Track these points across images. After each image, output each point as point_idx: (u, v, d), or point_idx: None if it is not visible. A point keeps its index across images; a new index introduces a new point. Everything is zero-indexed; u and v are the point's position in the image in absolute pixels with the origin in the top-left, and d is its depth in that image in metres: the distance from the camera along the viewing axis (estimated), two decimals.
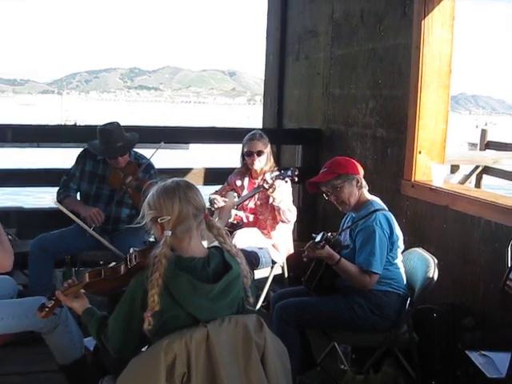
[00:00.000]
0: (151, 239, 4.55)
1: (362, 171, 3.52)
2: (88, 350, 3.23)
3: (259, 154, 4.47)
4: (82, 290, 2.71)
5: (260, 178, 4.51)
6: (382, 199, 3.60)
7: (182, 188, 2.38)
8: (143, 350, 2.42)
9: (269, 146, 4.56)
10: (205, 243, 2.51)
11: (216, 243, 2.51)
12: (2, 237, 3.03)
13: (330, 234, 3.38)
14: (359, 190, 3.48)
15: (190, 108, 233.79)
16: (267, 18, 7.22)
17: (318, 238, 3.29)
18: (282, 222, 4.39)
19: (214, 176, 5.57)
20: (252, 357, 2.22)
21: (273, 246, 4.50)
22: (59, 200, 4.52)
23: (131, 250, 2.54)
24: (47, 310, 2.82)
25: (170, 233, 2.31)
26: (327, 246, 3.23)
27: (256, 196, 4.49)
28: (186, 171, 5.54)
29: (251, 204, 4.57)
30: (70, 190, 4.56)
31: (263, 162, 4.50)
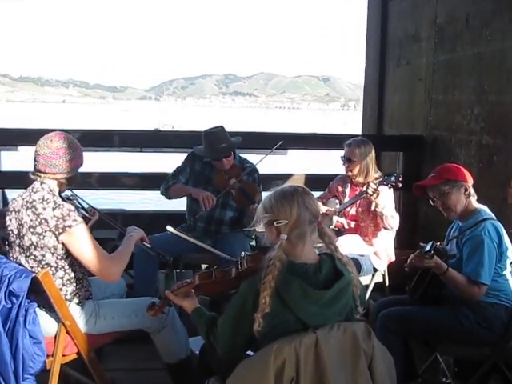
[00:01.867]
0: (252, 243, 4.62)
1: (471, 180, 3.43)
2: (192, 353, 3.31)
3: (349, 161, 4.44)
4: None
5: (361, 185, 4.47)
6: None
7: (300, 193, 2.39)
8: (249, 353, 2.46)
9: (369, 154, 4.45)
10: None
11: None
12: (124, 250, 3.18)
13: (438, 243, 3.31)
14: (467, 198, 3.39)
15: (284, 114, 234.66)
16: (367, 22, 7.17)
17: (427, 248, 3.21)
18: (385, 228, 4.33)
19: (315, 182, 5.58)
20: (360, 364, 2.22)
21: (374, 253, 4.45)
22: (166, 187, 4.64)
23: (242, 254, 2.59)
24: (156, 308, 2.92)
25: (285, 237, 2.33)
26: (436, 256, 3.17)
27: (358, 202, 4.46)
28: (286, 177, 5.58)
29: (353, 211, 4.53)
30: (179, 181, 4.67)
31: (355, 170, 4.45)
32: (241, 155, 4.82)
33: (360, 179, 4.45)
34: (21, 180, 5.46)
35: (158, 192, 4.79)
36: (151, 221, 5.66)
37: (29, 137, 5.71)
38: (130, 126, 34.08)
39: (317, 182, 5.54)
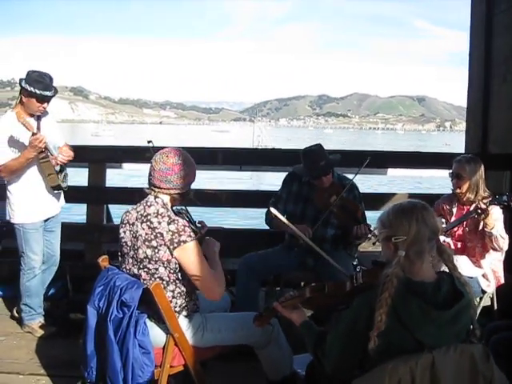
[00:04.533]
0: (354, 262, 4.56)
1: None
2: (295, 372, 3.28)
3: (458, 176, 4.33)
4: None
5: (469, 203, 4.34)
6: None
7: (419, 209, 2.33)
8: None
9: (478, 172, 4.33)
10: None
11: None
12: (218, 268, 3.20)
13: None
14: None
15: (378, 135, 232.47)
16: (470, 39, 6.99)
17: None
18: (494, 249, 4.17)
19: None
20: None
21: (482, 275, 4.29)
22: (268, 222, 4.71)
23: (358, 268, 2.54)
24: (263, 319, 2.92)
25: (403, 253, 2.27)
26: None
27: (465, 222, 4.32)
28: (388, 196, 5.50)
29: (459, 231, 4.40)
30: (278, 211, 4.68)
31: (464, 188, 4.33)
32: (339, 173, 4.77)
33: (470, 196, 4.32)
34: (123, 195, 5.69)
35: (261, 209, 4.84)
36: (250, 238, 5.71)
37: (132, 154, 5.93)
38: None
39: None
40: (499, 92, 6.32)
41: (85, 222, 5.92)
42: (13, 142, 4.29)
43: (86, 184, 5.88)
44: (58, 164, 4.46)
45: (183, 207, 3.46)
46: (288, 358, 3.34)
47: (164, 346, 3.10)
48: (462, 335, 2.28)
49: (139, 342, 2.92)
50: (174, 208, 3.23)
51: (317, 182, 4.50)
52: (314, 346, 2.55)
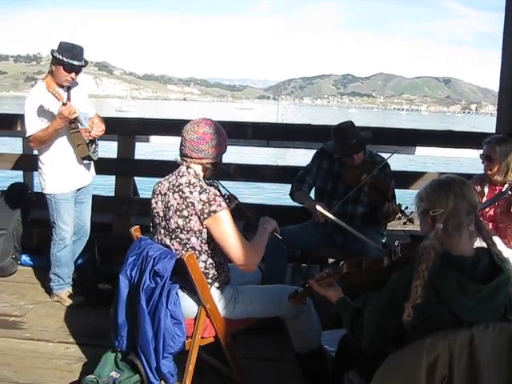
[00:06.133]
0: (383, 240, 4.52)
1: None
2: (323, 349, 3.28)
3: (488, 158, 4.27)
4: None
5: (501, 184, 4.29)
6: None
7: (458, 183, 2.32)
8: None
9: (510, 153, 4.24)
10: None
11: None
12: (259, 243, 3.19)
13: None
14: None
15: (402, 115, 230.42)
16: (504, 20, 6.83)
17: None
18: None
19: None
20: None
21: None
22: (292, 191, 4.71)
23: (396, 243, 2.53)
24: (298, 298, 2.91)
25: (441, 226, 2.25)
26: None
27: (497, 203, 4.27)
28: (418, 175, 5.44)
29: (491, 211, 4.34)
30: (304, 184, 4.67)
31: (494, 169, 4.26)
32: (371, 150, 4.71)
33: (499, 178, 4.27)
34: (152, 168, 5.70)
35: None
36: (278, 214, 5.67)
37: (161, 126, 5.94)
38: None
39: None
40: None
41: (112, 194, 5.96)
42: (42, 112, 4.30)
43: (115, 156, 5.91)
44: (90, 138, 4.46)
45: (215, 181, 3.45)
46: (317, 332, 3.34)
47: (195, 317, 3.10)
48: (499, 311, 2.25)
49: (171, 312, 2.93)
50: (205, 181, 3.21)
51: (347, 159, 4.45)
52: (350, 322, 2.55)
